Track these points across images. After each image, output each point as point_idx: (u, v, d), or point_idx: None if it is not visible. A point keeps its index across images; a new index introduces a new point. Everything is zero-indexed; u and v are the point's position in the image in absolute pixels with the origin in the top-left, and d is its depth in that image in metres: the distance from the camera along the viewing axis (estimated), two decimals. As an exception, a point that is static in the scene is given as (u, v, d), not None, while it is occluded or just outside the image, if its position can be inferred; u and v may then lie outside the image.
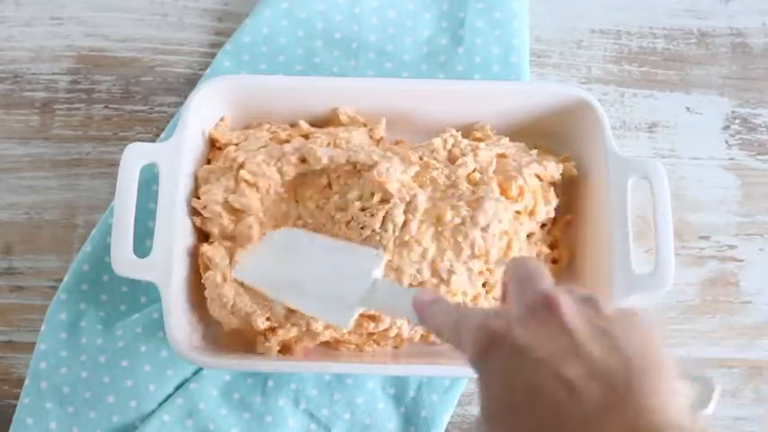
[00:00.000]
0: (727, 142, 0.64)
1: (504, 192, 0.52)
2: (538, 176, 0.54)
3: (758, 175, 0.63)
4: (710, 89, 0.65)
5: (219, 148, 0.55)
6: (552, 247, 0.57)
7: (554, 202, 0.55)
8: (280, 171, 0.52)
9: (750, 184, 0.63)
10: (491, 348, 0.31)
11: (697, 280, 0.60)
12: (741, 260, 0.61)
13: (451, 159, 0.53)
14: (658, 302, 0.60)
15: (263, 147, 0.54)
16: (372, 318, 0.51)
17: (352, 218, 0.51)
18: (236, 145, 0.54)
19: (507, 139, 0.56)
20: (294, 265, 0.50)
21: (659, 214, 0.50)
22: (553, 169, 0.55)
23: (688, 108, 0.64)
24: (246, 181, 0.52)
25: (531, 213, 0.54)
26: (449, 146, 0.54)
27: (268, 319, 0.51)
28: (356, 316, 0.46)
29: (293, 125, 0.57)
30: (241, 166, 0.52)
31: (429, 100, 0.56)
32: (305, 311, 0.49)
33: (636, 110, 0.64)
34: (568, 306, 0.31)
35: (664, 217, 0.50)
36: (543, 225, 0.56)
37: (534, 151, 0.56)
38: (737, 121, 0.64)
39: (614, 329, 0.30)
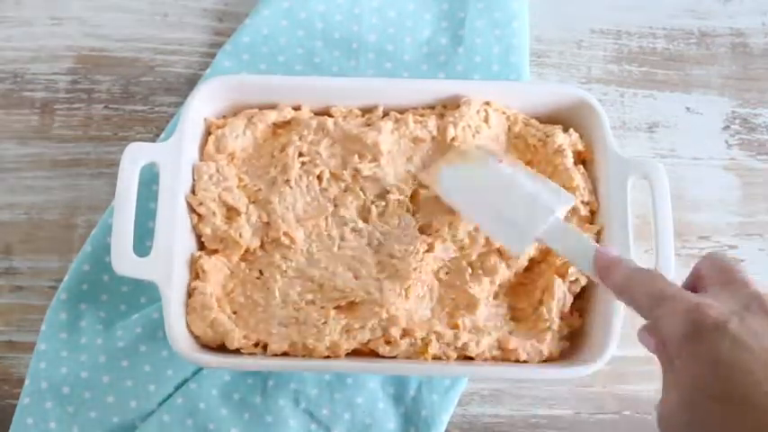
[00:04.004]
0: (727, 142, 0.64)
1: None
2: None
3: (758, 175, 0.63)
4: (710, 89, 0.65)
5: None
6: None
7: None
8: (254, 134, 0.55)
9: (750, 184, 0.63)
10: (704, 336, 0.31)
11: (697, 280, 0.60)
12: (741, 260, 0.61)
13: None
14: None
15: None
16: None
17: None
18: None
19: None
20: (482, 183, 0.51)
21: (659, 214, 0.50)
22: (576, 139, 0.55)
23: (688, 108, 0.64)
24: (221, 147, 0.53)
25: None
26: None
27: (246, 337, 0.50)
28: (531, 246, 0.47)
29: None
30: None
31: (429, 100, 0.56)
32: (484, 229, 0.51)
33: (636, 110, 0.64)
34: None
35: (664, 217, 0.50)
36: None
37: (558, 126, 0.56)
38: (737, 121, 0.64)
39: None
